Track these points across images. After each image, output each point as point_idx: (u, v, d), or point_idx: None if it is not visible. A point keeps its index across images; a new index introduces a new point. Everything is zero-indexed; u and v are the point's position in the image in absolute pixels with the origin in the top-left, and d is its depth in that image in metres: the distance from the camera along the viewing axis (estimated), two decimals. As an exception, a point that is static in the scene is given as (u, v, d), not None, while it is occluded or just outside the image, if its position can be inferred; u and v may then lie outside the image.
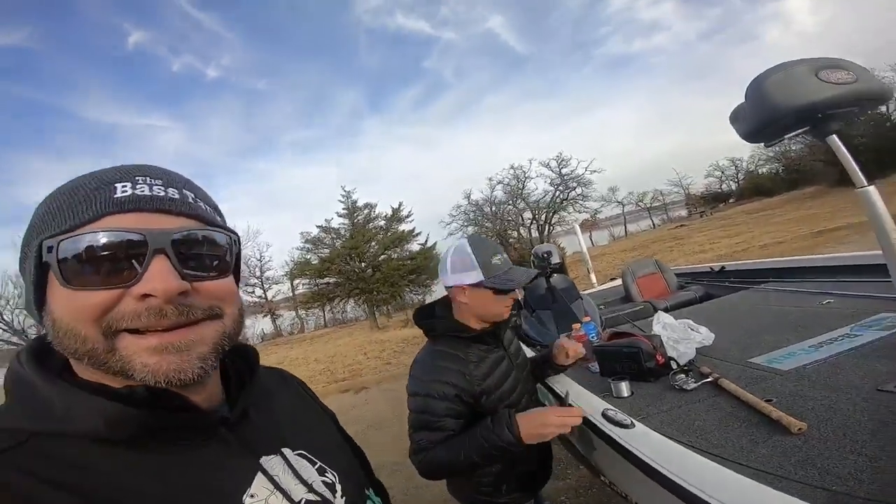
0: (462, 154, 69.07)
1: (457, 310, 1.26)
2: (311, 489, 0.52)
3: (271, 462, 0.51)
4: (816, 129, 1.27)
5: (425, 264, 18.46)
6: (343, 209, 19.46)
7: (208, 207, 0.50)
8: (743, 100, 1.40)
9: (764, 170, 34.46)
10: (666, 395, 1.39)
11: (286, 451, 0.53)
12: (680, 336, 1.65)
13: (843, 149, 1.32)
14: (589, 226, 28.58)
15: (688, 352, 1.58)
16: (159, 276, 0.42)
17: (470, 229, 28.35)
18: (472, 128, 77.90)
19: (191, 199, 0.48)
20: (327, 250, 19.18)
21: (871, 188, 1.35)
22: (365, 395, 7.05)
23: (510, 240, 27.21)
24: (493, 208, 27.59)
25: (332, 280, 18.90)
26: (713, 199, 38.34)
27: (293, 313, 26.95)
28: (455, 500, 1.38)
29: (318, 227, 19.67)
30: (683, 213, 37.24)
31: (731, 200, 37.17)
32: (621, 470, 1.16)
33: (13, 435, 0.41)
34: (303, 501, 0.50)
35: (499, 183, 27.49)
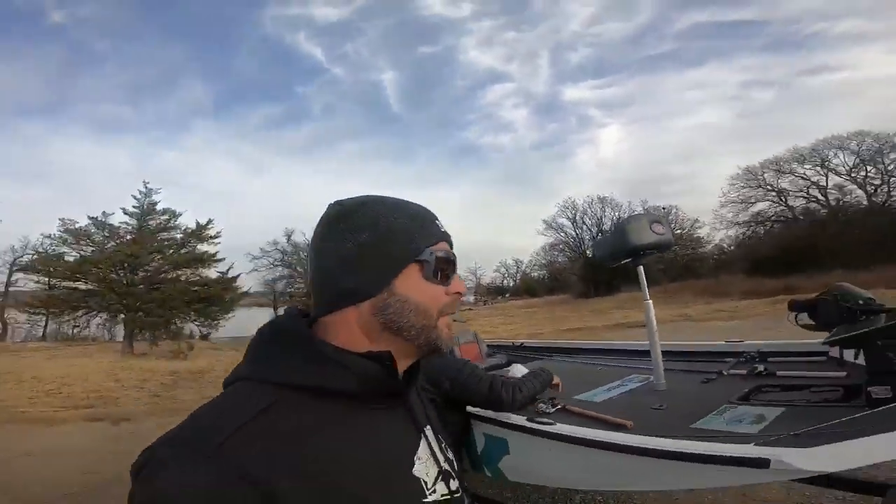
0: (294, 190, 66.05)
1: None
2: (446, 460, 0.64)
3: (428, 433, 0.64)
4: (636, 260, 2.15)
5: (220, 295, 16.29)
6: (134, 207, 16.08)
7: None
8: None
9: (535, 274, 43.00)
10: (542, 415, 1.90)
11: (428, 427, 0.66)
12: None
13: (643, 274, 2.25)
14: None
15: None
16: (462, 283, 0.65)
17: (280, 270, 26.71)
18: (315, 168, 76.19)
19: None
20: (92, 250, 15.37)
21: (650, 301, 2.28)
22: (129, 427, 5.99)
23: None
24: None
25: (86, 286, 14.99)
26: (496, 291, 45.51)
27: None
28: None
29: (90, 218, 15.73)
30: (471, 298, 42.84)
31: (507, 295, 44.78)
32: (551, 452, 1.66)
33: (279, 386, 0.53)
34: (443, 468, 0.62)
35: (325, 229, 27.40)
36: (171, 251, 16.20)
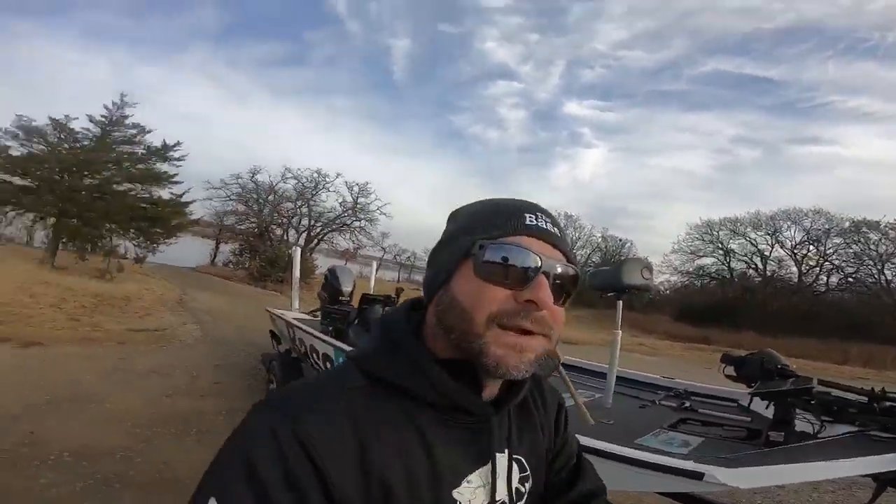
0: (272, 131, 62.69)
1: None
2: (509, 493, 0.59)
3: (500, 459, 0.59)
4: (619, 295, 2.52)
5: (168, 218, 15.25)
6: (102, 116, 14.73)
7: (569, 244, 0.60)
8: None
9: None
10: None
11: (506, 454, 0.61)
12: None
13: (621, 308, 2.60)
14: (349, 256, 29.81)
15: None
16: (544, 291, 0.52)
17: (234, 204, 25.70)
18: (301, 113, 72.22)
19: (562, 236, 0.58)
20: (45, 149, 14.01)
21: (619, 332, 2.62)
22: (39, 352, 5.51)
23: (272, 234, 25.94)
24: (274, 198, 26.05)
25: (23, 182, 13.69)
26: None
27: None
28: None
29: (50, 118, 14.29)
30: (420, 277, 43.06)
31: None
32: None
33: (372, 377, 0.55)
34: (496, 500, 0.57)
35: (294, 178, 26.36)
36: (128, 164, 15.11)
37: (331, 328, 3.88)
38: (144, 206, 14.83)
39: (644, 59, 54.57)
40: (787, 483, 1.88)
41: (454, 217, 0.63)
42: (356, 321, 3.99)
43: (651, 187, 57.78)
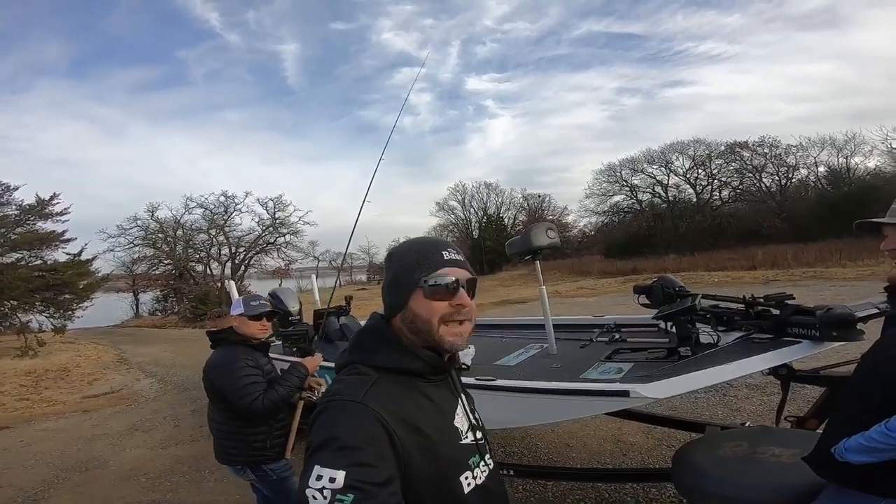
0: (162, 160, 57.47)
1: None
2: (474, 418, 0.94)
3: (463, 398, 0.94)
4: (536, 256, 2.84)
5: (74, 281, 13.64)
6: None
7: (466, 262, 0.92)
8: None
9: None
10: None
11: (462, 395, 0.95)
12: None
13: (539, 268, 2.95)
14: (282, 274, 28.69)
15: (467, 359, 2.81)
16: (465, 297, 0.87)
17: (140, 250, 23.66)
18: (189, 135, 67.03)
19: (465, 260, 0.91)
20: None
21: (544, 287, 2.97)
22: (13, 434, 5.49)
23: (192, 272, 24.27)
24: (183, 232, 24.23)
25: None
26: (387, 272, 45.47)
27: None
28: None
29: None
30: (364, 277, 42.58)
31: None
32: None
33: (378, 368, 0.84)
34: (472, 422, 0.92)
35: (200, 206, 24.65)
36: (4, 230, 13.30)
37: (294, 349, 3.92)
38: (41, 273, 13.24)
39: (528, 28, 58.92)
40: (697, 388, 2.28)
41: (390, 259, 0.94)
42: (315, 337, 4.07)
43: (557, 144, 61.80)
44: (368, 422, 0.73)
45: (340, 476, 0.66)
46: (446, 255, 0.88)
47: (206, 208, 24.70)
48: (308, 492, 0.66)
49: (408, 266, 0.88)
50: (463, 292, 0.86)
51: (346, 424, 0.73)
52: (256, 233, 25.88)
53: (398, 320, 0.88)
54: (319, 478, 0.66)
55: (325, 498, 0.65)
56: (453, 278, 0.86)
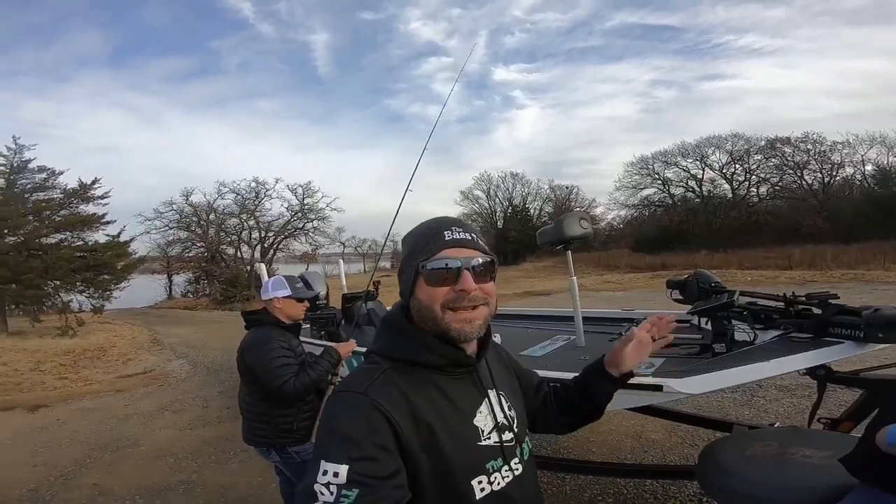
0: (197, 147, 59.20)
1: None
2: (505, 417, 0.86)
3: (492, 394, 0.86)
4: (567, 246, 2.77)
5: (113, 262, 14.16)
6: (1, 165, 13.35)
7: (481, 242, 0.85)
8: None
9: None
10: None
11: (494, 390, 0.88)
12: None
13: (571, 257, 2.89)
14: (309, 258, 29.24)
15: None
16: (468, 281, 0.78)
17: (174, 233, 24.50)
18: (224, 123, 68.91)
19: (475, 239, 0.83)
20: None
21: (575, 278, 2.94)
22: (50, 413, 5.65)
23: (223, 255, 25.01)
24: (216, 216, 24.97)
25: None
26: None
27: None
28: None
29: None
30: (388, 265, 43.03)
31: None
32: None
33: (392, 359, 0.81)
34: (500, 423, 0.84)
35: (232, 192, 25.31)
36: (49, 212, 13.88)
37: (322, 333, 4.02)
38: (82, 254, 13.83)
39: (558, 19, 57.77)
40: (730, 385, 2.19)
41: (404, 242, 0.88)
42: (343, 321, 4.16)
43: (587, 136, 60.64)
44: (370, 413, 0.72)
45: (343, 471, 0.66)
46: (448, 236, 0.81)
47: (238, 193, 25.35)
48: (316, 487, 0.66)
49: (412, 251, 0.83)
50: (467, 275, 0.78)
51: (347, 416, 0.72)
52: (285, 218, 26.40)
53: (411, 308, 0.84)
54: (325, 473, 0.67)
55: (331, 493, 0.65)
56: (455, 261, 0.79)
